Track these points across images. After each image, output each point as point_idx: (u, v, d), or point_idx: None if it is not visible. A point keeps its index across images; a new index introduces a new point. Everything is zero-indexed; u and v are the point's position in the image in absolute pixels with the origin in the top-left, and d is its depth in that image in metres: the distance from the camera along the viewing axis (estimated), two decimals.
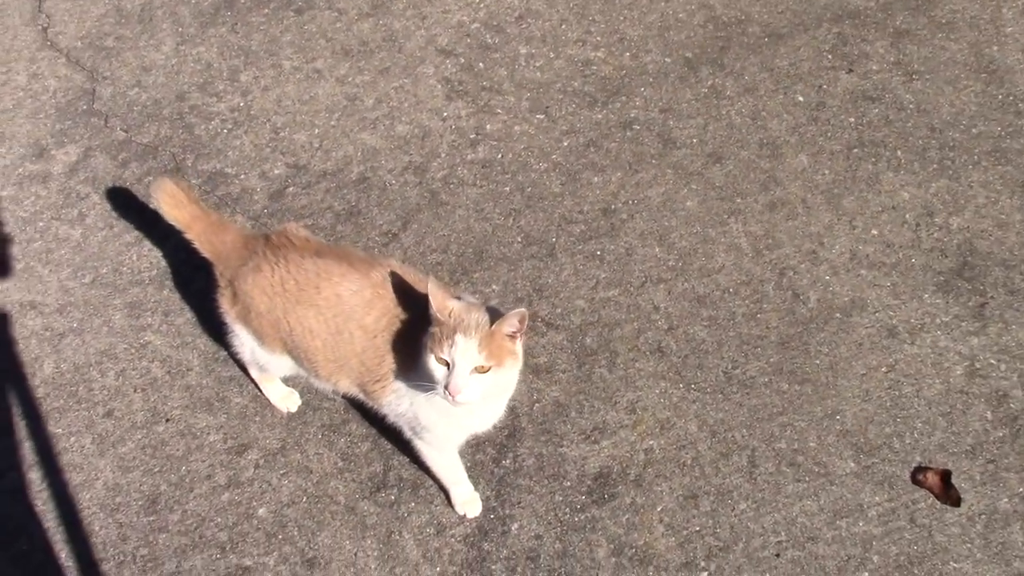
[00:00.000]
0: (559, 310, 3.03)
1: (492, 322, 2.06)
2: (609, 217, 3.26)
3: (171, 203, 2.57)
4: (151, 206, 3.24)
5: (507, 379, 2.15)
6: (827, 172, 3.34)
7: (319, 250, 2.38)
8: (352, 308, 2.29)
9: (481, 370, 2.04)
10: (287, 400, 2.80)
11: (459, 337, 2.02)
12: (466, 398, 2.05)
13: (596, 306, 3.04)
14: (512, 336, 2.10)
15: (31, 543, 2.57)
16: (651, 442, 2.75)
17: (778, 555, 2.54)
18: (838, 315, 2.99)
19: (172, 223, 2.59)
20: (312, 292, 2.31)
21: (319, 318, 2.31)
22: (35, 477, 2.69)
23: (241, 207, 3.29)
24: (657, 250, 3.17)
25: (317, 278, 2.31)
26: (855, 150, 3.39)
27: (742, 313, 3.01)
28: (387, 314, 2.27)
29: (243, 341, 2.55)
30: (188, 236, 2.59)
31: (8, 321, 3.02)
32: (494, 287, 3.08)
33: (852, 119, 3.47)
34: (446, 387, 2.04)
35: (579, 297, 3.06)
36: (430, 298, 2.07)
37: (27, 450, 2.74)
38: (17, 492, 2.66)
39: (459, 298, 2.19)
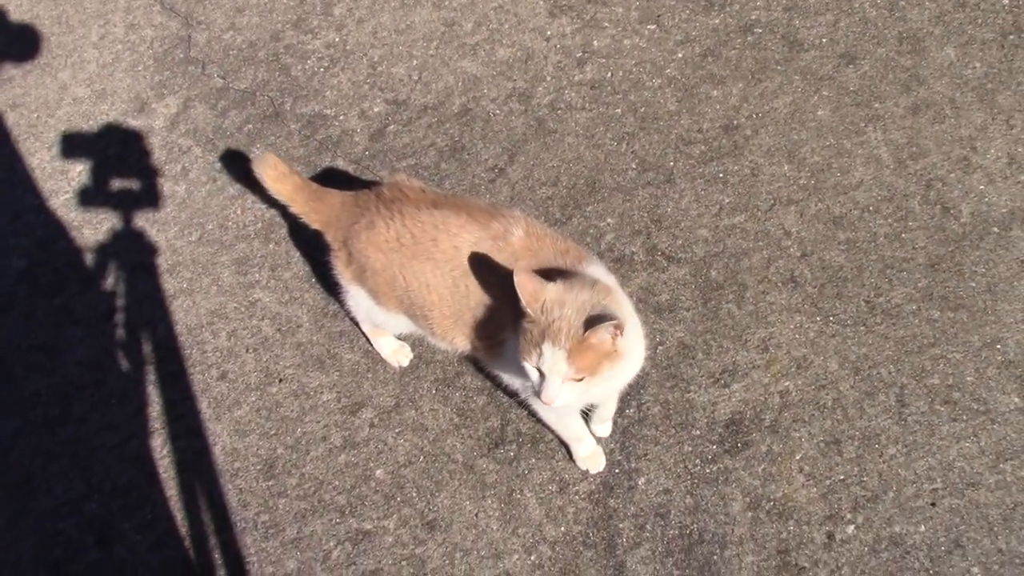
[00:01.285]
0: (680, 241, 2.81)
1: (599, 295, 1.88)
2: (731, 134, 2.99)
3: (274, 176, 2.50)
4: (250, 158, 3.16)
5: (607, 382, 1.94)
6: (978, 65, 2.97)
7: (436, 201, 2.23)
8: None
9: (575, 378, 1.87)
10: (399, 354, 2.70)
11: (547, 347, 1.84)
12: (561, 403, 1.89)
13: (720, 235, 2.80)
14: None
15: (155, 511, 2.56)
16: (787, 383, 2.53)
17: (934, 504, 2.31)
18: (995, 229, 2.67)
19: (275, 196, 2.53)
20: (429, 245, 2.17)
21: (436, 272, 2.17)
22: (156, 444, 2.68)
23: (342, 150, 3.16)
24: (786, 168, 2.89)
25: (435, 230, 2.17)
26: (1011, 36, 3.00)
27: (884, 233, 2.73)
28: (502, 270, 2.11)
29: (358, 302, 2.44)
30: (293, 209, 2.51)
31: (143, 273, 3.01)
32: (609, 220, 2.88)
33: (1006, 1, 3.07)
34: (538, 393, 1.89)
35: (701, 226, 2.83)
36: (518, 291, 1.87)
37: (146, 417, 2.72)
38: (139, 460, 2.65)
39: (564, 273, 2.00)
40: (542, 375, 1.87)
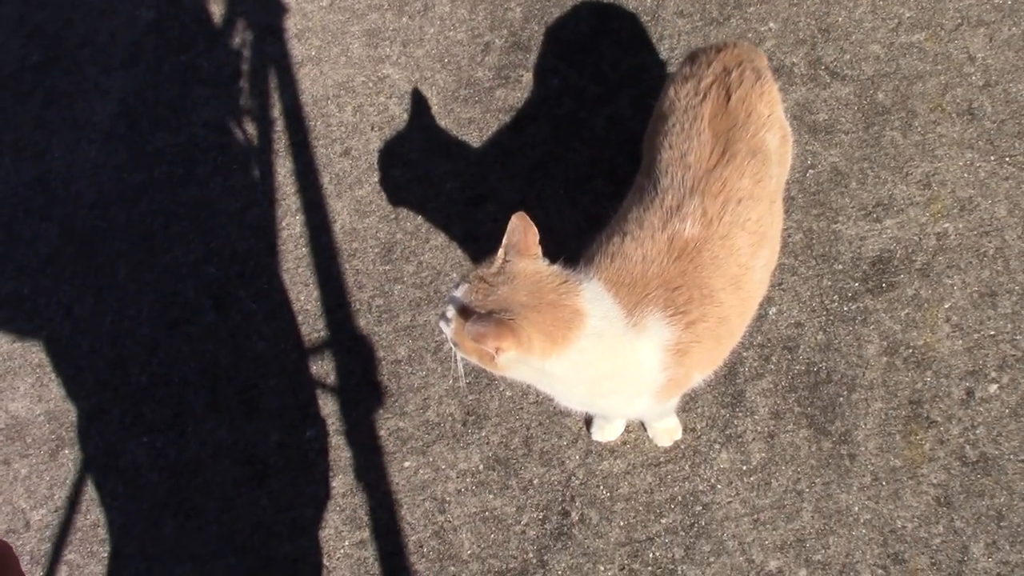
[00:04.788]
0: (848, 56, 2.54)
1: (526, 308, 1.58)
2: None
3: None
4: None
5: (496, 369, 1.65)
6: None
7: (723, 123, 1.86)
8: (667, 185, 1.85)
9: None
10: None
11: (459, 291, 1.62)
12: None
13: (895, 53, 2.52)
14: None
15: (271, 282, 2.55)
16: (946, 225, 2.32)
17: None
18: None
19: None
20: (667, 135, 1.90)
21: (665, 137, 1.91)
22: (276, 214, 2.64)
23: None
24: None
25: (683, 116, 1.89)
26: None
27: None
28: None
29: None
30: None
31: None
32: (771, 25, 2.62)
33: None
34: None
35: (874, 41, 2.55)
36: (509, 231, 1.62)
37: (268, 186, 2.67)
38: (259, 229, 2.62)
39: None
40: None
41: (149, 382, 2.48)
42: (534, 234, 1.64)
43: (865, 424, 2.16)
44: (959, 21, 2.53)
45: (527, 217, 1.63)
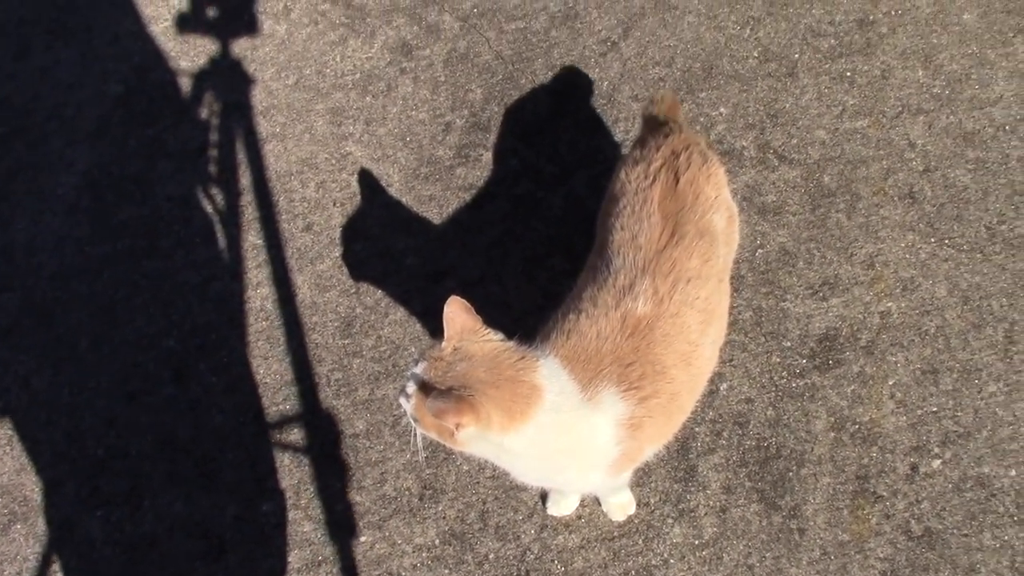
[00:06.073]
0: (795, 141, 2.65)
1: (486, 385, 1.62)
2: (865, 30, 2.78)
3: (661, 108, 2.23)
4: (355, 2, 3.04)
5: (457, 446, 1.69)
6: None
7: (672, 205, 1.92)
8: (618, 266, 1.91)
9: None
10: None
11: (418, 368, 1.66)
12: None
13: (839, 138, 2.63)
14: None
15: (231, 356, 2.57)
16: (889, 304, 2.41)
17: None
18: None
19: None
20: (618, 216, 1.97)
21: (616, 221, 1.97)
22: (237, 288, 2.67)
23: (449, 5, 3.02)
24: (920, 74, 2.69)
25: (631, 201, 1.95)
26: None
27: (1018, 156, 2.54)
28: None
29: None
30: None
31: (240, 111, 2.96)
32: (722, 110, 2.72)
33: None
34: None
35: (820, 127, 2.66)
36: (446, 321, 1.67)
37: (230, 260, 2.71)
38: (220, 302, 2.65)
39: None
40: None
41: (106, 454, 2.48)
42: (471, 312, 1.69)
43: (814, 499, 2.21)
44: (900, 109, 2.65)
45: (458, 299, 1.67)
